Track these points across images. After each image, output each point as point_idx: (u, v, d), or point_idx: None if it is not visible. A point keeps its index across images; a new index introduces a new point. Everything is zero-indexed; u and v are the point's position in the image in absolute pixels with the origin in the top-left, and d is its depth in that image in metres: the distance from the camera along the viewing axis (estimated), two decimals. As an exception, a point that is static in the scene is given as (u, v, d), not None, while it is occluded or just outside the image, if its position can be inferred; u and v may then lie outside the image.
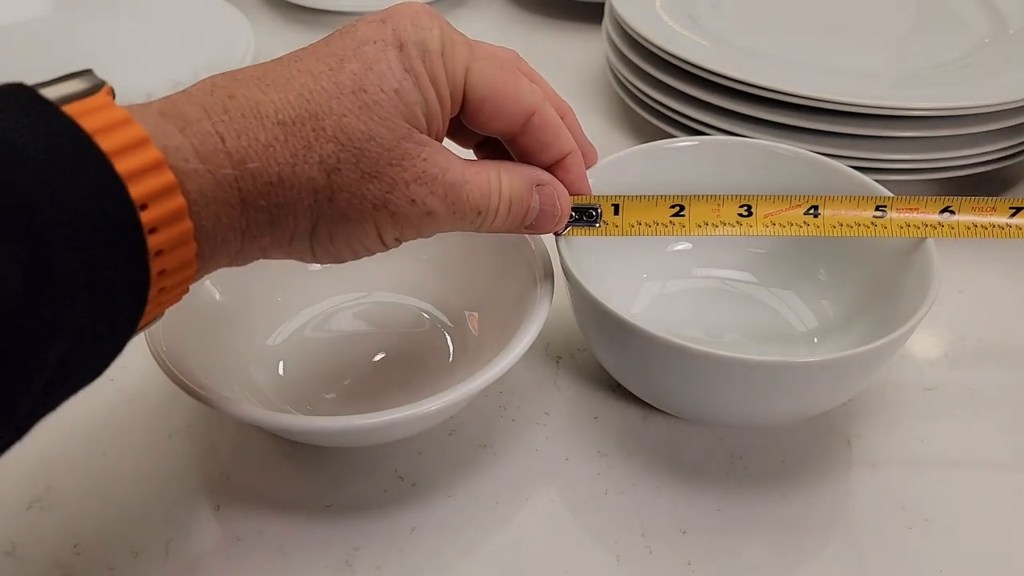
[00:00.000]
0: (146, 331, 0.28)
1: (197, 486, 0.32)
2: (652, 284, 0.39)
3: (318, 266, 0.37)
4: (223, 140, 0.22)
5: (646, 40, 0.48)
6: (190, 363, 0.29)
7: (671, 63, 0.47)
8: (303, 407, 0.34)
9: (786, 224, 0.32)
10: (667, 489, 0.32)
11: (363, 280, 0.38)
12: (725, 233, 0.32)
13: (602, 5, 0.64)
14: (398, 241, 0.27)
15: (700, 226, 0.32)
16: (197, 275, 0.23)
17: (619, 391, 0.36)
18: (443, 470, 0.33)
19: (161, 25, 0.59)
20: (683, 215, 0.32)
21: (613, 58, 0.53)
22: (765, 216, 0.32)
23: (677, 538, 0.31)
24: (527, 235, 0.32)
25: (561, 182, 0.30)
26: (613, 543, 0.30)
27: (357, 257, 0.27)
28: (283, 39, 0.65)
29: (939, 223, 0.32)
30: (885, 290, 0.34)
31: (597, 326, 0.32)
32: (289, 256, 0.26)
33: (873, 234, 0.32)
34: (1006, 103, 0.42)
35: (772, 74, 0.44)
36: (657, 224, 0.32)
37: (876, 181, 0.36)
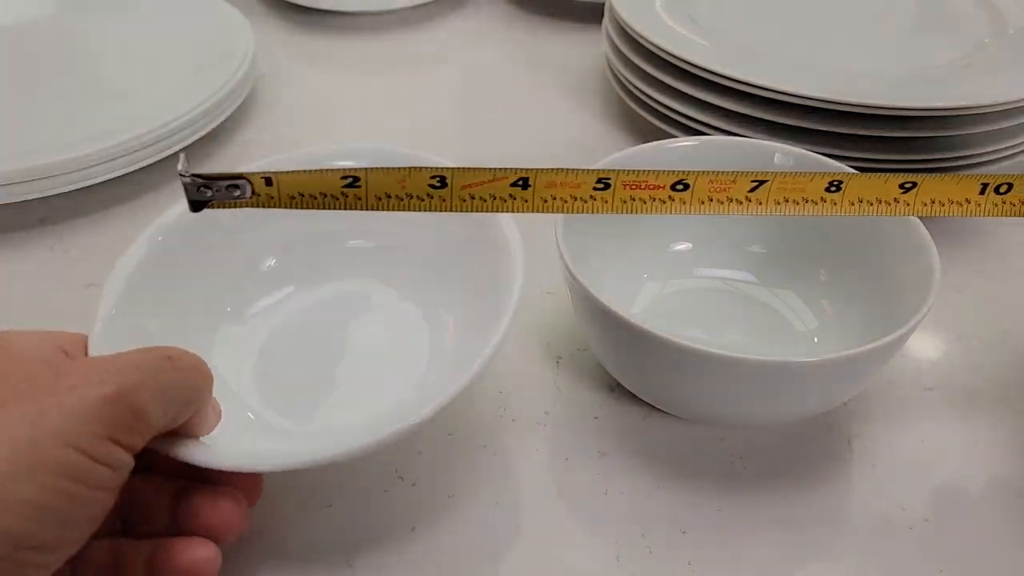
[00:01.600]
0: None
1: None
2: (652, 284, 0.39)
3: (271, 261, 0.37)
4: None
5: (646, 40, 0.48)
6: None
7: (671, 63, 0.47)
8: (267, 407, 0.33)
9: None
10: (667, 489, 0.32)
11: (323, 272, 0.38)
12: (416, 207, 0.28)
13: (602, 5, 0.64)
14: None
15: (379, 198, 0.28)
16: None
17: (619, 391, 0.36)
18: (443, 470, 0.33)
19: (161, 25, 0.59)
20: (358, 185, 0.27)
21: (613, 58, 0.53)
22: (462, 187, 0.28)
23: (677, 538, 0.31)
24: (507, 247, 0.32)
25: None
26: (613, 543, 0.31)
27: None
28: (283, 39, 0.65)
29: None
30: (885, 290, 0.34)
31: (597, 326, 0.32)
32: None
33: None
34: (1006, 103, 0.42)
35: (772, 74, 0.44)
36: (326, 196, 0.28)
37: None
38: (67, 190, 0.44)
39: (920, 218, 0.34)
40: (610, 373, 0.35)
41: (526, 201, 0.28)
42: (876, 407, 0.36)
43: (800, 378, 0.29)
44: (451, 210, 0.28)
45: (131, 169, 0.46)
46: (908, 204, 0.29)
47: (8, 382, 0.22)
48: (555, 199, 0.28)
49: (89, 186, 0.45)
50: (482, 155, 0.50)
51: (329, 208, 0.28)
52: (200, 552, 0.26)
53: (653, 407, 0.35)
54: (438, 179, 0.27)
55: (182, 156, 0.27)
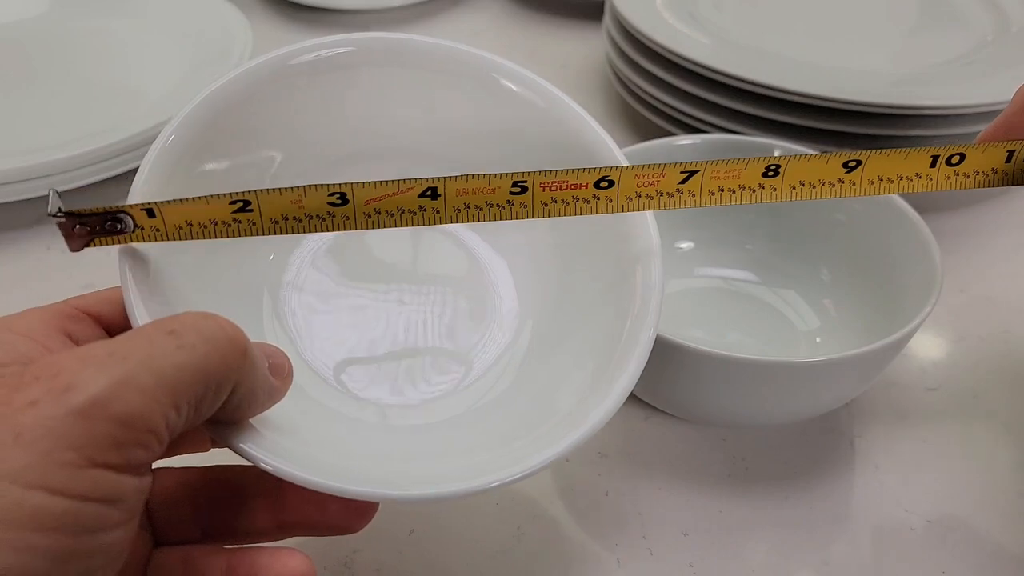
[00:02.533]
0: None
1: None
2: (653, 284, 0.39)
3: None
4: None
5: (646, 38, 0.47)
6: None
7: (671, 61, 0.47)
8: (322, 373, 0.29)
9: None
10: (668, 490, 0.32)
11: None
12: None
13: (602, 3, 0.63)
14: None
15: (276, 222, 0.26)
16: None
17: (620, 391, 0.36)
18: (443, 471, 0.33)
19: (160, 24, 0.59)
20: (250, 209, 0.25)
21: (613, 56, 0.52)
22: (370, 202, 0.25)
23: (679, 540, 0.31)
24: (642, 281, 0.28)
25: None
26: (614, 545, 0.30)
27: None
28: (283, 39, 0.65)
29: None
30: (888, 290, 0.34)
31: (598, 326, 0.32)
32: None
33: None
34: (1006, 103, 0.42)
35: (773, 72, 0.44)
36: (216, 224, 0.25)
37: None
38: (64, 189, 0.44)
39: (922, 217, 0.34)
40: (611, 373, 0.35)
41: (437, 212, 0.26)
42: (878, 408, 0.35)
43: (802, 378, 0.29)
44: (355, 228, 0.26)
45: (128, 168, 0.46)
46: (854, 184, 0.27)
47: None
48: (468, 208, 0.26)
49: (87, 185, 0.45)
50: (482, 154, 0.49)
51: (222, 236, 0.25)
52: (292, 562, 0.22)
53: (654, 408, 0.35)
54: (338, 196, 0.25)
55: (52, 193, 0.23)
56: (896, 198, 0.35)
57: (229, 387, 0.20)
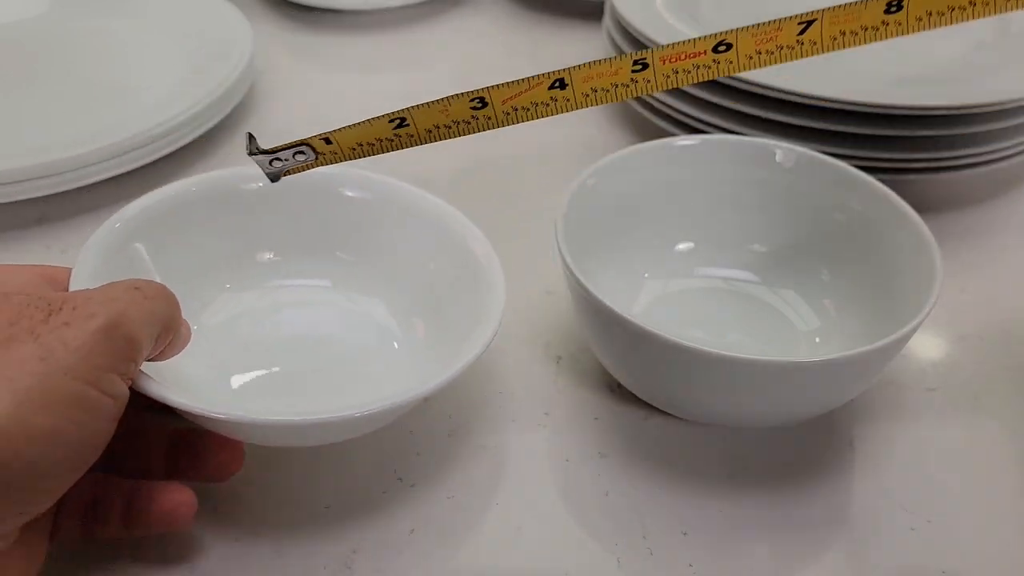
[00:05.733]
0: None
1: (195, 487, 0.32)
2: (653, 283, 0.39)
3: (269, 255, 0.37)
4: None
5: (646, 38, 0.47)
6: None
7: (672, 62, 0.47)
8: (236, 402, 0.33)
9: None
10: (668, 490, 0.32)
11: (310, 273, 0.38)
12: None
13: (603, 4, 0.63)
14: None
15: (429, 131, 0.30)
16: None
17: (619, 391, 0.36)
18: (443, 471, 0.33)
19: (160, 24, 0.59)
20: (406, 124, 0.29)
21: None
22: (503, 102, 0.29)
23: (678, 540, 0.31)
24: (480, 253, 0.33)
25: None
26: (614, 545, 0.30)
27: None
28: (283, 39, 0.65)
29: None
30: (887, 290, 0.34)
31: (598, 325, 0.32)
32: None
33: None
34: (1006, 102, 0.42)
35: (773, 73, 0.44)
36: (381, 141, 0.30)
37: (877, 180, 0.36)
38: (64, 189, 0.44)
39: (922, 217, 0.34)
40: (610, 373, 0.35)
41: (568, 100, 0.29)
42: (878, 407, 0.35)
43: (802, 378, 0.29)
44: (498, 126, 0.29)
45: (128, 168, 0.46)
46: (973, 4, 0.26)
47: (1, 318, 0.23)
48: (596, 92, 0.28)
49: (86, 185, 0.45)
50: (482, 153, 0.49)
51: (387, 150, 0.30)
52: (179, 496, 0.28)
53: (654, 407, 0.35)
54: (478, 100, 0.28)
55: (248, 136, 0.29)
56: (896, 198, 0.35)
57: (171, 331, 0.27)
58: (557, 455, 0.33)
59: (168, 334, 0.27)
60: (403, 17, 0.68)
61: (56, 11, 0.61)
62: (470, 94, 0.28)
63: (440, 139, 0.29)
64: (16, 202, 0.44)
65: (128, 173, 0.46)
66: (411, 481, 0.32)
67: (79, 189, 0.45)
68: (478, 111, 0.29)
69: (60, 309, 0.23)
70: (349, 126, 0.29)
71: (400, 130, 0.29)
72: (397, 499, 0.32)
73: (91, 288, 0.25)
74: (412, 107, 0.29)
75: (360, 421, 0.28)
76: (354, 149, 0.30)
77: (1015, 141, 0.45)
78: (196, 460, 0.29)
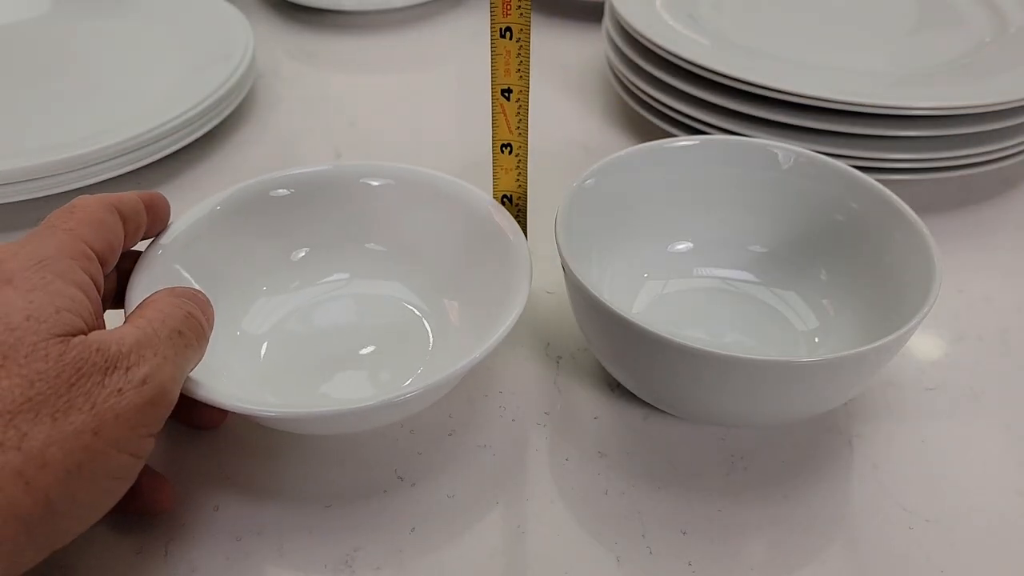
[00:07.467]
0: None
1: (196, 486, 0.32)
2: (653, 283, 0.39)
3: (302, 252, 0.39)
4: None
5: (646, 39, 0.48)
6: None
7: (671, 62, 0.47)
8: (284, 397, 0.34)
9: None
10: (667, 489, 0.32)
11: (343, 267, 0.39)
12: None
13: (602, 4, 0.64)
14: (151, 434, 0.26)
15: None
16: None
17: (619, 391, 0.36)
18: (443, 470, 0.33)
19: (161, 25, 0.59)
20: None
21: (613, 57, 0.52)
22: None
23: (677, 539, 0.31)
24: (504, 225, 0.35)
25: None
26: (613, 544, 0.30)
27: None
28: (283, 40, 0.65)
29: None
30: (886, 289, 0.34)
31: (597, 325, 0.32)
32: None
33: None
34: (1006, 103, 0.42)
35: (772, 73, 0.44)
36: None
37: (876, 180, 0.36)
38: (65, 190, 0.44)
39: (922, 217, 0.34)
40: (610, 373, 0.35)
41: None
42: (877, 407, 0.36)
43: (801, 378, 0.29)
44: None
45: (129, 168, 0.46)
46: None
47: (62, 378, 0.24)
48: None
49: (87, 186, 0.45)
50: (482, 153, 0.49)
51: None
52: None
53: (653, 407, 0.35)
54: None
55: None
56: (895, 198, 0.35)
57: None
58: (557, 454, 0.34)
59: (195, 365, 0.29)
60: (404, 18, 0.68)
61: (57, 12, 0.61)
62: None
63: None
64: (16, 202, 0.44)
65: (128, 173, 0.46)
66: (412, 480, 0.32)
67: (80, 189, 0.45)
68: None
69: (115, 368, 0.24)
70: None
71: None
72: (398, 498, 0.32)
73: (144, 317, 0.27)
74: None
75: (428, 393, 0.29)
76: None
77: (1015, 141, 0.45)
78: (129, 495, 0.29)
